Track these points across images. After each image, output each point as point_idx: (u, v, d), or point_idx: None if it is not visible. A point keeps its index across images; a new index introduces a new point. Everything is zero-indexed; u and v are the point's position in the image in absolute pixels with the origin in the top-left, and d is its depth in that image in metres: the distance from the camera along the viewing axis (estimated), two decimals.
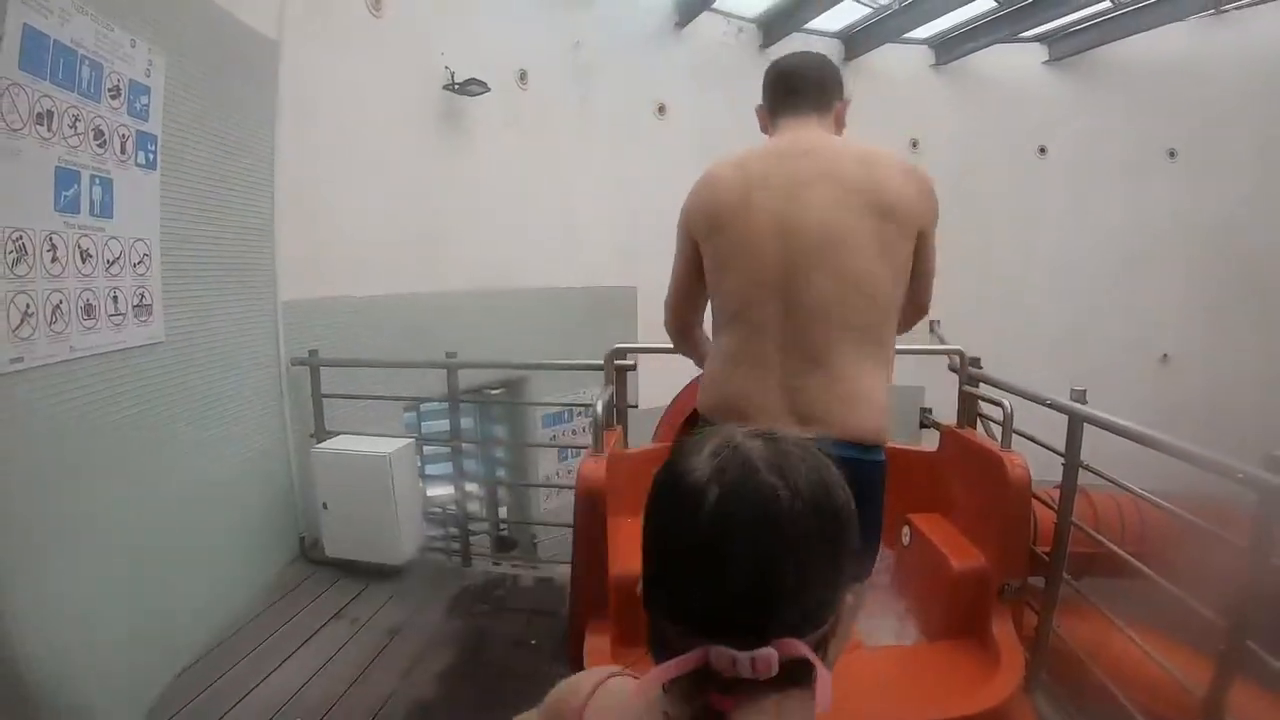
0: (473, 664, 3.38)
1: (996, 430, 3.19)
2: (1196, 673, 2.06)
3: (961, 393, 3.65)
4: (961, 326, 7.30)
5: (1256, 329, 8.08)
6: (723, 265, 1.82)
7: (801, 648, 0.65)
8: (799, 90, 1.89)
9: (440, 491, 5.06)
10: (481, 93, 5.46)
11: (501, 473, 6.77)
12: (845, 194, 1.69)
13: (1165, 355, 8.51)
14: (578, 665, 2.68)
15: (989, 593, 2.49)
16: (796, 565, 0.65)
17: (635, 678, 0.81)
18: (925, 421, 8.65)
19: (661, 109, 7.35)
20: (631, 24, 7.05)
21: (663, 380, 4.26)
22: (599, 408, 3.08)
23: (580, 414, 6.78)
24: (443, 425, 4.81)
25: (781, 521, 0.65)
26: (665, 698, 0.70)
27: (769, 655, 0.63)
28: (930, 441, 5.79)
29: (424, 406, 5.39)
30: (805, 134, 1.84)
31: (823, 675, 0.66)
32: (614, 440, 3.26)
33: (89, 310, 2.71)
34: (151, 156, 3.04)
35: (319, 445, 4.22)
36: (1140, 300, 8.47)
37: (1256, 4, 7.36)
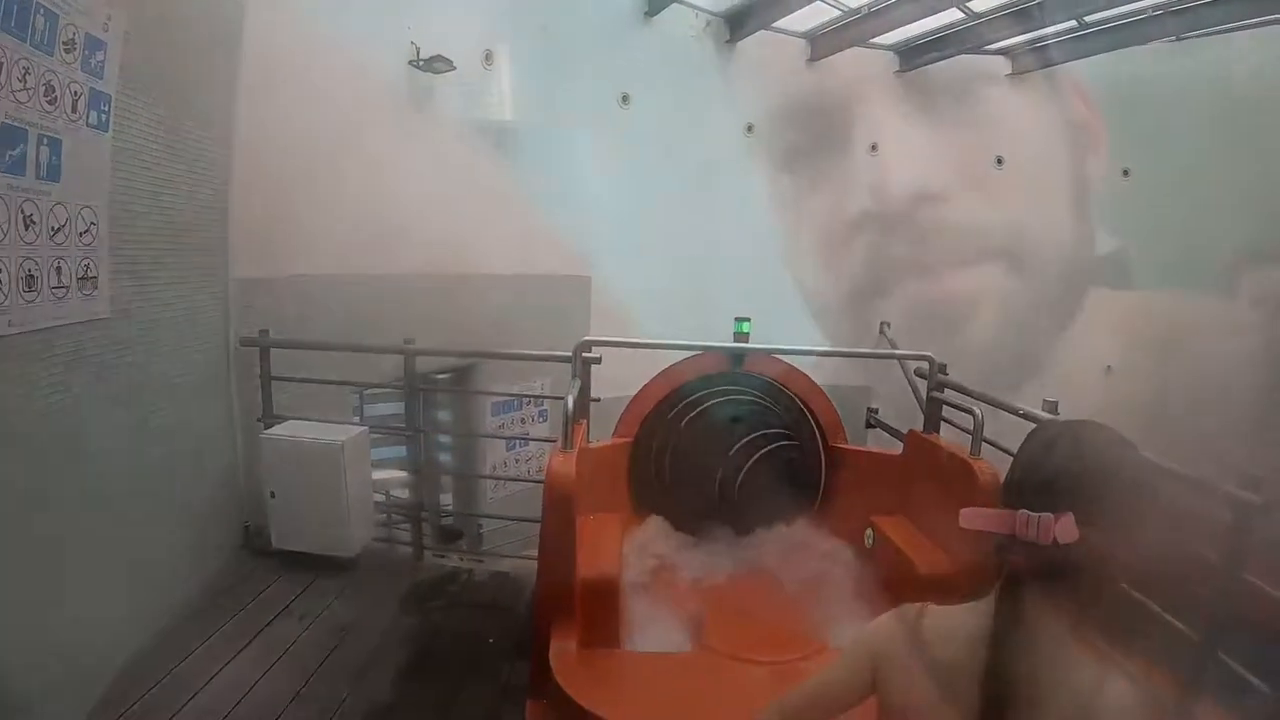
0: (429, 663, 3.26)
1: (954, 434, 3.23)
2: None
3: (929, 398, 3.67)
4: (912, 332, 7.44)
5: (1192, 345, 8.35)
6: None
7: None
8: None
9: (385, 477, 4.92)
10: (447, 70, 5.30)
11: (446, 459, 6.60)
12: None
13: (1109, 367, 8.77)
14: (541, 667, 2.61)
15: (955, 598, 2.50)
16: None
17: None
18: (871, 421, 8.75)
19: (625, 98, 7.24)
20: (600, 11, 6.91)
21: (619, 372, 4.19)
22: (570, 402, 3.01)
23: (529, 403, 6.67)
24: (386, 410, 4.64)
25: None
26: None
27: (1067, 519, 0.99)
28: (876, 441, 5.85)
29: (368, 391, 5.21)
30: None
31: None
32: (580, 435, 3.20)
33: (30, 281, 2.51)
34: (104, 117, 2.84)
35: (267, 431, 4.04)
36: (1089, 314, 8.70)
37: (1215, 34, 7.58)
